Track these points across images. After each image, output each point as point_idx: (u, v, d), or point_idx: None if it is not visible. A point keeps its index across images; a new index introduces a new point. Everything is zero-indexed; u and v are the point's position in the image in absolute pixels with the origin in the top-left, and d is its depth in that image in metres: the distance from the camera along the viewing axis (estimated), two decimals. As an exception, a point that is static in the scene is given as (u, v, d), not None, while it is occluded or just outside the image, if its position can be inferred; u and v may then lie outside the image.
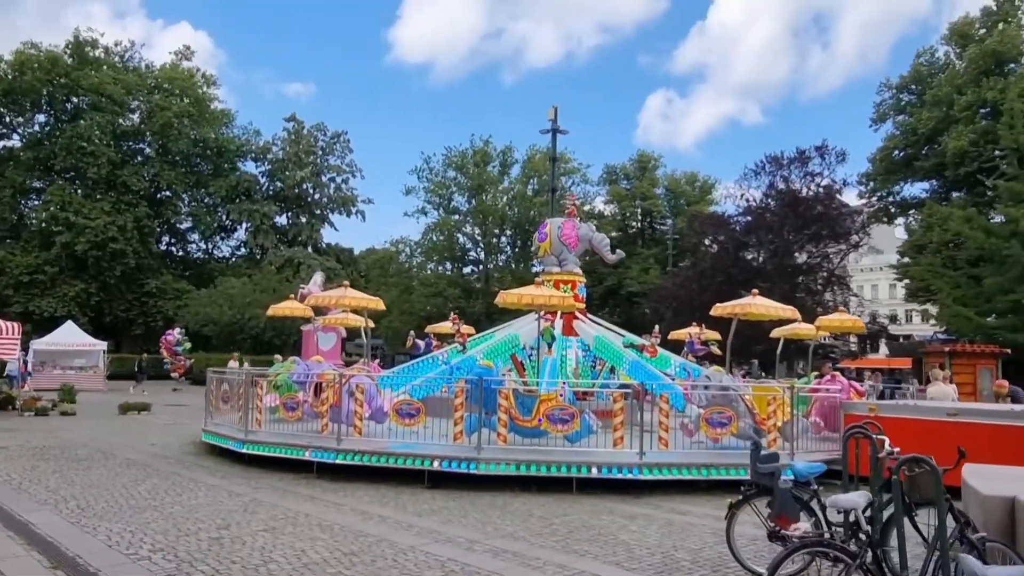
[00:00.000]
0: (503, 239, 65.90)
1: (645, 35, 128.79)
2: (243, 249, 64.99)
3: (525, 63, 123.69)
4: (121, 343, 54.65)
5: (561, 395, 12.13)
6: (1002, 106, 39.64)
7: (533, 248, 18.74)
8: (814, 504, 6.71)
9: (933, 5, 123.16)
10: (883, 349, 57.38)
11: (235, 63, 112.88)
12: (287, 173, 61.93)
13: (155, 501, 9.99)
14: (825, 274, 53.53)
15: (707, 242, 55.94)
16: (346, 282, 15.43)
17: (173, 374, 39.58)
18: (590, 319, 18.00)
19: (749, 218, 53.00)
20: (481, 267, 66.15)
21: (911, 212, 52.72)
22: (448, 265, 65.56)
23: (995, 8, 45.48)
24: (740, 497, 6.96)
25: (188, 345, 39.39)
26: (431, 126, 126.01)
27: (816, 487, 6.80)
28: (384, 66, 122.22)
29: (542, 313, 15.58)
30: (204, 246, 65.47)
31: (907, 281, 49.96)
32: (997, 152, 38.71)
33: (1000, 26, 45.32)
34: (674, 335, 21.09)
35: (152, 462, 13.63)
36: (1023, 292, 32.60)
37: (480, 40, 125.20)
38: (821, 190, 52.06)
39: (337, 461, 11.76)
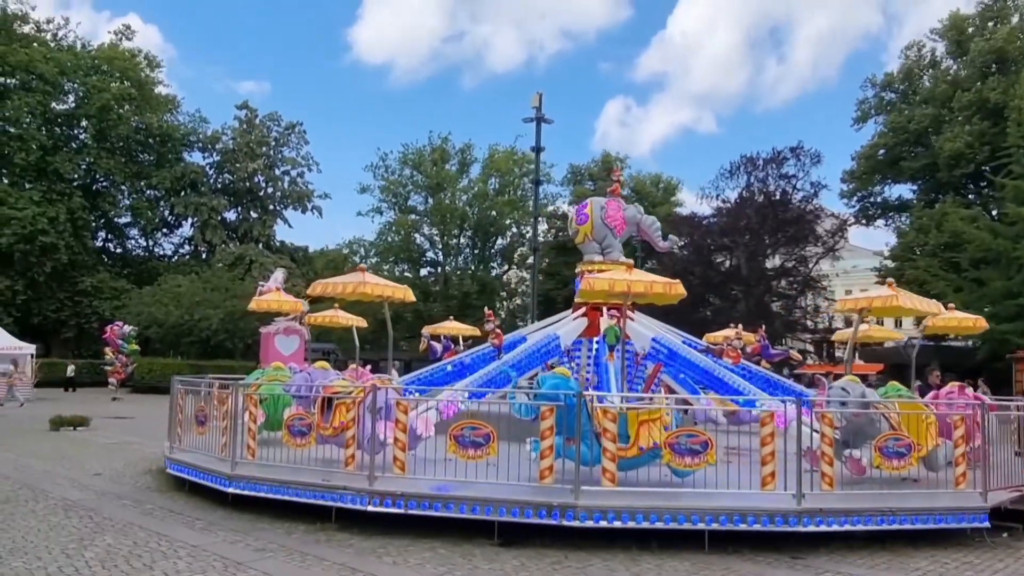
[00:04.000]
0: (462, 240, 62.96)
1: (607, 42, 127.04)
2: (188, 246, 60.29)
3: (486, 67, 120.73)
4: (51, 346, 49.69)
5: (667, 414, 9.03)
6: (1007, 105, 38.07)
7: (571, 232, 15.63)
8: None
9: (884, 22, 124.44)
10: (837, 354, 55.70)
11: (186, 58, 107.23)
12: (238, 165, 57.44)
13: (116, 581, 6.63)
14: (801, 278, 51.95)
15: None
16: (363, 266, 12.18)
17: (111, 380, 35.41)
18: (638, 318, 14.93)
19: (724, 219, 51.17)
20: (439, 269, 63.03)
21: (891, 214, 51.26)
22: (405, 266, 62.19)
23: (991, 2, 44.00)
24: None
25: (135, 347, 35.38)
26: (390, 129, 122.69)
27: None
28: (342, 66, 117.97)
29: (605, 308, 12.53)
30: (144, 242, 60.49)
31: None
32: (1001, 151, 36.92)
33: (991, 24, 43.98)
34: (708, 338, 18.24)
35: (100, 504, 10.13)
36: (1035, 295, 30.88)
37: (441, 42, 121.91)
38: (797, 192, 50.63)
39: (370, 508, 8.49)
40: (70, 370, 40.11)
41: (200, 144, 59.14)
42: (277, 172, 60.35)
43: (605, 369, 12.34)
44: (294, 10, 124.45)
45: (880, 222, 52.07)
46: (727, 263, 52.05)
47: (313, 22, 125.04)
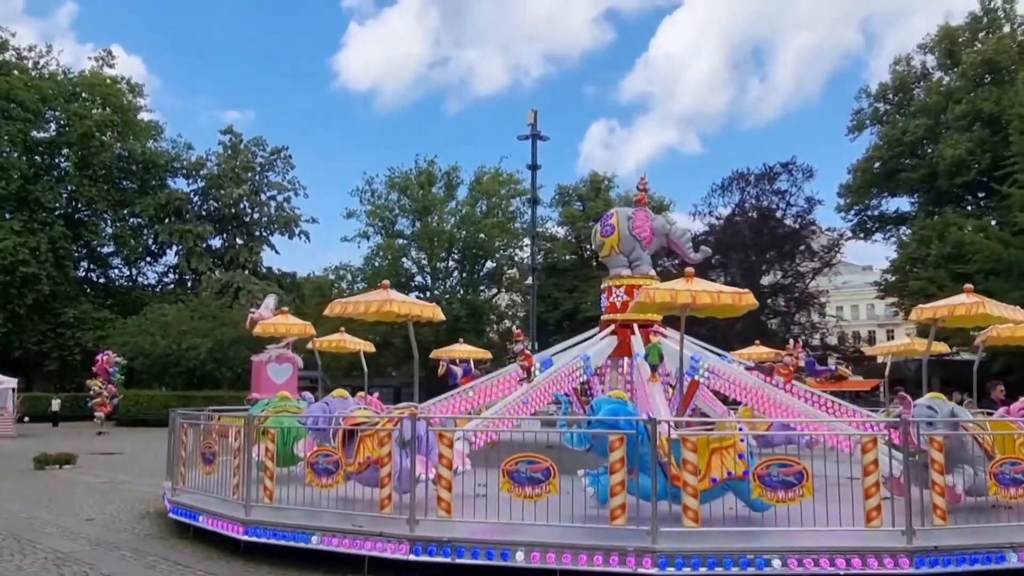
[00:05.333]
0: (451, 263, 61.95)
1: (591, 66, 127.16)
2: (172, 274, 59.02)
3: (471, 92, 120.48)
4: (33, 380, 48.12)
5: (742, 440, 8.00)
6: (1002, 116, 37.75)
7: (596, 245, 14.67)
8: None
9: (864, 40, 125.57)
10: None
11: (170, 89, 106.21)
12: (223, 191, 56.31)
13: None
14: (797, 294, 51.37)
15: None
16: (386, 282, 11.15)
17: (97, 414, 33.95)
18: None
19: (718, 236, 50.56)
20: (428, 293, 61.90)
21: (890, 227, 50.67)
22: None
23: (979, 13, 43.82)
24: None
25: (121, 378, 34.15)
26: (375, 154, 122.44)
27: None
28: (328, 93, 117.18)
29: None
30: (128, 271, 59.09)
31: (894, 299, 47.57)
32: (1002, 159, 36.30)
33: (982, 34, 43.77)
34: (735, 356, 17.26)
35: (96, 557, 8.96)
36: (1051, 306, 30.14)
37: (426, 68, 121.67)
38: (791, 208, 50.33)
39: (412, 558, 7.38)
40: (55, 404, 38.61)
41: (184, 170, 58.02)
42: (263, 197, 59.32)
43: (649, 392, 11.29)
44: (278, 40, 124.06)
45: (878, 235, 51.53)
46: (722, 280, 51.35)
47: (297, 51, 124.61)
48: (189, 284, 56.72)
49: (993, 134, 39.37)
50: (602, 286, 14.59)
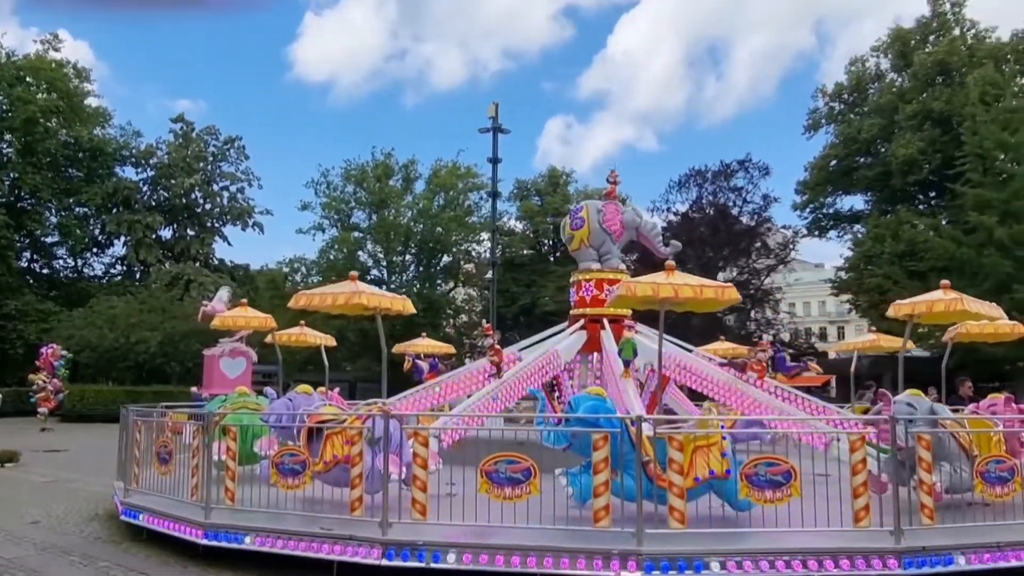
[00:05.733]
0: (407, 257, 61.23)
1: (549, 62, 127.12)
2: (120, 266, 57.27)
3: (429, 85, 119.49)
4: (-28, 375, 46.36)
5: (725, 438, 7.79)
6: (952, 116, 38.56)
7: (565, 238, 14.41)
8: None
9: (817, 42, 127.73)
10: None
11: (118, 76, 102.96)
12: (173, 180, 54.74)
13: None
14: (753, 291, 51.85)
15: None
16: (353, 273, 10.72)
17: (41, 409, 32.75)
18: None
19: (675, 232, 50.74)
20: (384, 287, 60.95)
21: (844, 225, 51.41)
22: (349, 285, 59.76)
23: (929, 16, 44.68)
24: None
25: (67, 371, 33.10)
26: (332, 146, 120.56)
27: None
28: (283, 84, 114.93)
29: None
30: (73, 262, 57.20)
31: (849, 296, 48.27)
32: (954, 159, 36.94)
33: (932, 37, 44.58)
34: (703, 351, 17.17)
35: (43, 563, 8.42)
36: (1004, 302, 30.69)
37: (384, 61, 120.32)
38: (748, 204, 50.86)
39: (384, 563, 7.02)
40: (-2, 399, 37.19)
41: (133, 159, 56.19)
42: (215, 188, 57.80)
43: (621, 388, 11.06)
44: (231, 28, 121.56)
45: (832, 233, 52.27)
46: (677, 277, 51.53)
47: (251, 40, 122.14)
48: (138, 276, 55.11)
49: (944, 134, 40.16)
50: (571, 280, 14.35)
